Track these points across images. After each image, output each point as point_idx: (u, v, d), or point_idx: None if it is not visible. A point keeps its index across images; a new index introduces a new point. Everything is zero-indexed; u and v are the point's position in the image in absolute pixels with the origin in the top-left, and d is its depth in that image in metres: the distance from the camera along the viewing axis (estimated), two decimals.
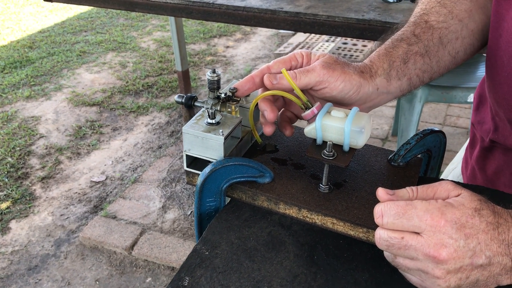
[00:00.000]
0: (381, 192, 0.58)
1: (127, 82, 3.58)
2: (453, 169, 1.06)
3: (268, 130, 0.70)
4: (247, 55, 4.03)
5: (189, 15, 1.75)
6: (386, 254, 0.58)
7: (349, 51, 3.92)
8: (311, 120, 0.68)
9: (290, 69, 0.71)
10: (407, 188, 0.58)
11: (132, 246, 2.14)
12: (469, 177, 0.93)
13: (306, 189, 0.68)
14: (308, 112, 0.67)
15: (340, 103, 0.71)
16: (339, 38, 4.10)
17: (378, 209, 0.56)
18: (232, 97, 0.70)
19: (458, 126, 2.97)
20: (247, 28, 4.57)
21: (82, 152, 2.81)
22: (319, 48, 3.96)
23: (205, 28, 4.56)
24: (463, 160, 0.98)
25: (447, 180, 0.59)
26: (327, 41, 4.09)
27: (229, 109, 0.72)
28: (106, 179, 2.59)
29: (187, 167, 0.71)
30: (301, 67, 0.71)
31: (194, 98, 0.74)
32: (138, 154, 2.79)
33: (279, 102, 0.74)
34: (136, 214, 2.32)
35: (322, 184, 0.68)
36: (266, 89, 0.70)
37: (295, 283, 0.57)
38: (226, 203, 0.70)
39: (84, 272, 2.04)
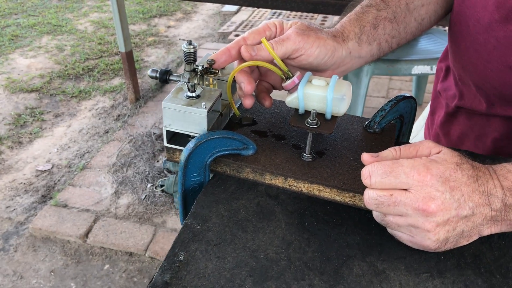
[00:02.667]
0: (366, 156, 0.59)
1: (66, 66, 3.43)
2: (413, 137, 1.11)
3: (247, 102, 0.70)
4: (190, 35, 3.96)
5: None
6: (375, 214, 0.59)
7: None
8: (292, 90, 0.68)
9: (267, 39, 0.70)
10: (390, 148, 0.60)
11: (87, 234, 2.08)
12: None
13: (290, 159, 0.68)
14: (289, 82, 0.67)
15: (316, 69, 0.71)
16: (281, 16, 4.11)
17: (365, 171, 0.57)
18: (210, 70, 0.69)
19: None
20: (188, 7, 4.49)
21: (24, 140, 2.68)
22: None
23: (144, 8, 4.43)
24: (425, 127, 1.02)
25: (427, 139, 0.61)
26: (270, 18, 4.08)
27: (206, 82, 0.71)
28: (52, 167, 2.49)
29: (168, 143, 0.70)
30: (275, 37, 0.71)
31: (169, 72, 0.72)
32: (84, 140, 2.70)
33: (255, 73, 0.74)
34: (88, 201, 2.25)
35: (305, 153, 0.68)
36: (242, 61, 0.70)
37: (290, 250, 0.58)
38: (210, 177, 0.69)
39: (37, 264, 1.96)
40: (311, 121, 0.65)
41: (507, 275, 0.56)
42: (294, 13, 4.15)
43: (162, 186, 2.36)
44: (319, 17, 4.09)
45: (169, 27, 4.13)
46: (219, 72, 0.73)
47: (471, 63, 0.76)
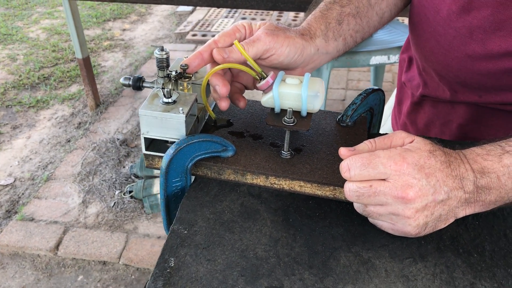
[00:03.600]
0: (343, 151, 0.61)
1: (20, 76, 3.33)
2: (381, 126, 1.14)
3: (223, 104, 0.71)
4: (146, 37, 3.92)
5: None
6: (356, 205, 0.61)
7: None
8: (267, 90, 0.69)
9: (240, 40, 0.71)
10: (365, 141, 0.62)
11: (57, 247, 2.04)
12: None
13: (269, 158, 0.69)
14: (263, 82, 0.69)
15: (286, 68, 0.73)
16: (237, 14, 4.12)
17: (344, 164, 0.59)
18: (184, 74, 0.69)
19: (360, 89, 3.14)
20: (142, 9, 4.43)
21: None
22: (220, 24, 3.95)
23: (97, 12, 4.35)
24: (392, 117, 1.06)
25: (399, 130, 0.63)
26: (226, 17, 4.09)
27: (180, 87, 0.71)
28: (14, 181, 2.41)
29: (146, 150, 0.70)
30: (245, 38, 0.72)
31: (142, 79, 0.72)
32: (46, 150, 2.63)
33: (227, 75, 0.75)
34: (55, 213, 2.20)
35: (283, 151, 0.70)
36: (215, 64, 0.70)
37: (278, 246, 0.59)
38: (192, 182, 0.69)
39: (7, 282, 1.91)
40: (288, 119, 0.67)
41: (483, 253, 0.60)
42: (249, 11, 4.16)
43: (130, 192, 2.34)
44: (275, 13, 4.12)
45: (124, 30, 4.07)
46: (193, 76, 0.73)
47: (432, 53, 0.80)
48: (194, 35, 3.79)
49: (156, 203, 2.23)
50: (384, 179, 0.57)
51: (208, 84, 0.71)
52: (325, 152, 0.71)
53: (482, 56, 0.72)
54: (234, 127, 0.76)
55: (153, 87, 0.72)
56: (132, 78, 0.72)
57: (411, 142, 0.60)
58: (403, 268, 0.57)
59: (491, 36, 0.70)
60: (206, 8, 4.23)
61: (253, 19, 4.05)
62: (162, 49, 0.69)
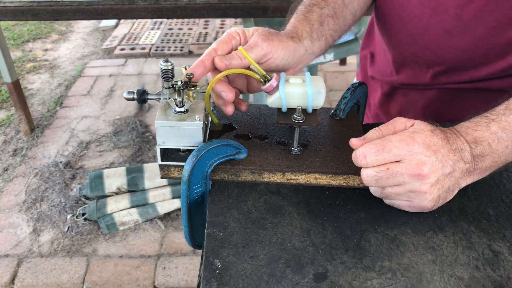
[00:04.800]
0: (355, 141, 0.66)
1: None
2: None
3: (229, 109, 0.73)
4: (72, 55, 3.79)
5: (35, 17, 1.61)
6: (373, 190, 0.66)
7: (177, 36, 3.94)
8: (272, 91, 0.72)
9: (232, 48, 0.74)
10: (372, 130, 0.67)
11: (12, 280, 1.93)
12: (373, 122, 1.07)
13: (281, 155, 0.73)
14: (268, 84, 0.72)
15: (281, 70, 0.76)
16: (163, 25, 4.09)
17: (359, 152, 0.63)
18: (189, 83, 0.71)
19: None
20: (62, 27, 4.28)
21: None
22: (147, 37, 3.91)
23: (14, 34, 4.14)
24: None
25: (398, 117, 0.69)
26: (152, 29, 4.05)
27: (186, 96, 0.72)
28: None
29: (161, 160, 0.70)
30: (240, 44, 0.75)
31: (146, 92, 0.73)
32: None
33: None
34: (4, 246, 2.09)
35: (293, 147, 0.73)
36: (216, 71, 0.72)
37: (311, 236, 0.63)
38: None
39: None
40: (298, 117, 0.70)
41: (489, 219, 0.66)
42: (175, 20, 4.15)
43: (83, 214, 2.26)
44: (201, 22, 4.14)
45: (46, 50, 3.91)
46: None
47: (410, 36, 0.86)
48: (122, 49, 3.72)
49: (113, 223, 2.18)
50: (398, 161, 0.62)
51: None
52: (330, 145, 0.75)
53: (459, 29, 0.79)
54: (238, 131, 0.78)
55: (159, 99, 0.72)
56: (136, 91, 0.72)
57: (412, 126, 0.65)
58: (427, 241, 0.63)
59: (465, 9, 0.77)
60: (130, 22, 4.17)
61: (180, 29, 4.05)
62: (167, 61, 0.70)
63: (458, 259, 0.60)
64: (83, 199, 2.34)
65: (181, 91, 0.71)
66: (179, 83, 0.71)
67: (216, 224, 0.64)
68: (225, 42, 0.73)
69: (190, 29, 4.05)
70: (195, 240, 0.74)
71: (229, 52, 0.73)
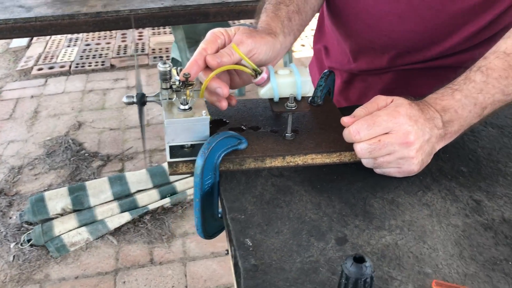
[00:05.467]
0: (346, 119, 0.74)
1: None
2: None
3: (224, 104, 0.78)
4: None
5: None
6: (365, 161, 0.74)
7: (96, 51, 3.86)
8: (263, 84, 0.78)
9: (219, 47, 0.79)
10: (359, 108, 0.75)
11: None
12: None
13: (277, 141, 0.79)
14: (260, 77, 0.77)
15: (263, 64, 0.83)
16: (80, 41, 3.99)
17: (353, 129, 0.71)
18: (187, 82, 0.75)
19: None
20: None
21: None
22: (64, 54, 3.79)
23: None
24: None
25: (378, 95, 0.78)
26: (68, 46, 3.93)
27: (184, 94, 0.76)
28: None
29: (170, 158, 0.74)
30: (225, 43, 0.80)
31: (145, 95, 0.76)
32: None
33: None
34: None
35: (287, 133, 0.80)
36: (207, 69, 0.77)
37: (323, 207, 0.70)
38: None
39: None
40: (290, 104, 0.77)
41: (464, 175, 0.77)
42: (92, 35, 4.06)
43: (29, 240, 2.17)
44: (118, 35, 4.09)
45: None
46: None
47: (365, 25, 0.96)
48: (40, 69, 3.58)
49: (62, 244, 2.12)
50: (387, 133, 0.71)
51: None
52: (317, 128, 0.83)
53: (409, 14, 0.90)
54: (231, 125, 0.83)
55: (158, 100, 0.76)
56: (136, 95, 0.75)
57: (392, 101, 0.74)
58: (420, 199, 0.72)
59: None
60: (44, 41, 4.02)
61: (98, 44, 3.97)
62: (164, 63, 0.74)
63: (449, 210, 0.70)
64: (25, 225, 2.24)
65: (180, 90, 0.75)
66: (177, 83, 0.75)
67: (235, 209, 0.69)
68: (212, 41, 0.78)
69: (108, 43, 3.98)
70: (207, 231, 0.78)
71: (217, 51, 0.78)
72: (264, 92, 0.78)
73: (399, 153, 0.71)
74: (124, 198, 2.33)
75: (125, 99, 0.75)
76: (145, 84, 3.43)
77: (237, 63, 0.79)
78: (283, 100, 0.78)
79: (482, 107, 0.76)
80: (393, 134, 0.70)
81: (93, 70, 3.60)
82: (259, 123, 0.84)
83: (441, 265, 0.61)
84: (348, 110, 0.88)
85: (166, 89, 0.75)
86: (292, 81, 0.77)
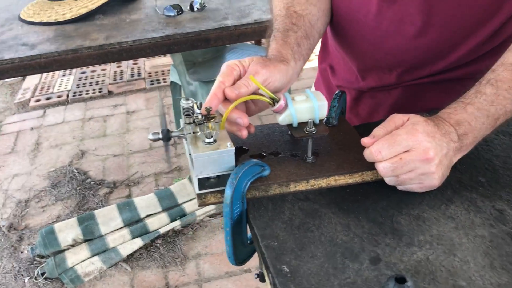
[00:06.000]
0: (366, 140, 0.76)
1: None
2: None
3: (244, 133, 0.80)
4: None
5: None
6: (388, 179, 0.76)
7: (92, 78, 3.89)
8: (281, 111, 0.81)
9: (235, 79, 0.82)
10: (377, 128, 0.78)
11: None
12: None
13: (299, 165, 0.81)
14: (278, 105, 0.80)
15: (277, 90, 0.85)
16: (75, 70, 4.01)
17: (374, 149, 0.74)
18: (209, 116, 0.77)
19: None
20: None
21: None
22: (61, 83, 3.81)
23: None
24: None
25: (394, 114, 0.80)
26: (64, 75, 3.96)
27: (206, 127, 0.78)
28: None
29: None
30: (241, 74, 0.83)
31: (169, 131, 0.78)
32: None
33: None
34: None
35: (307, 157, 0.82)
36: (226, 101, 0.80)
37: (352, 228, 0.71)
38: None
39: None
40: (310, 129, 0.79)
41: (483, 185, 0.79)
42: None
43: (43, 273, 2.18)
44: (113, 65, 4.11)
45: None
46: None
47: (371, 45, 0.99)
48: (37, 100, 3.60)
49: (76, 275, 2.12)
50: (407, 151, 0.73)
51: None
52: (336, 149, 0.85)
53: (415, 34, 0.92)
54: (251, 152, 0.85)
55: (183, 135, 0.78)
56: (161, 131, 0.77)
57: (408, 119, 0.77)
58: (444, 212, 0.74)
59: (417, 16, 0.91)
60: None
61: (93, 71, 3.99)
62: (187, 99, 0.76)
63: (474, 222, 0.72)
64: (38, 259, 2.24)
65: (203, 123, 0.77)
66: (199, 117, 0.77)
67: (267, 236, 0.71)
68: (228, 74, 0.81)
69: (104, 69, 4.01)
70: (238, 258, 0.80)
71: (234, 82, 0.81)
72: (282, 119, 0.80)
73: (421, 169, 0.74)
74: (135, 223, 2.34)
75: (150, 136, 0.77)
76: (144, 108, 3.46)
77: (253, 93, 0.81)
78: (302, 124, 0.81)
79: (495, 118, 0.78)
80: (413, 152, 0.72)
81: (91, 98, 3.62)
82: (279, 148, 0.86)
83: (474, 277, 0.63)
84: (362, 128, 0.91)
85: (190, 123, 0.77)
86: (310, 106, 0.80)
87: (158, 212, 2.40)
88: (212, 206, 2.43)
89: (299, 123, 0.81)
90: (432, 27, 0.91)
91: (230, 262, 0.80)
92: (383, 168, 0.74)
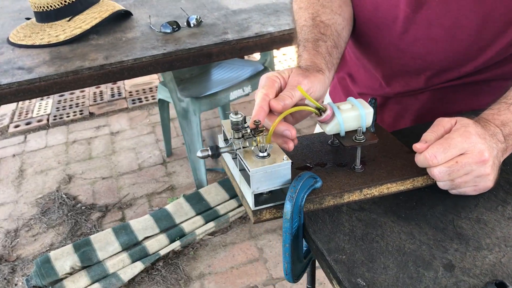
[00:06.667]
0: (419, 145, 0.75)
1: None
2: None
3: (291, 145, 0.79)
4: None
5: None
6: (442, 184, 0.76)
7: (71, 100, 3.81)
8: (329, 120, 0.79)
9: (277, 90, 0.80)
10: (428, 133, 0.77)
11: None
12: None
13: (350, 175, 0.79)
14: (325, 115, 0.78)
15: (317, 100, 0.84)
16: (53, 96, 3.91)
17: (428, 154, 0.73)
18: (257, 129, 0.75)
19: (216, 124, 3.30)
20: None
21: None
22: (39, 108, 3.71)
23: None
24: None
25: (440, 118, 0.80)
26: (42, 99, 3.86)
27: (254, 141, 0.76)
28: None
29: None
30: (282, 86, 0.81)
31: (218, 147, 0.76)
32: None
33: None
34: None
35: (356, 166, 0.81)
36: (270, 115, 0.78)
37: (416, 236, 0.70)
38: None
39: None
40: (359, 137, 0.78)
41: None
42: None
43: None
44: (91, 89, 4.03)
45: None
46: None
47: (398, 50, 0.99)
48: (16, 126, 3.50)
49: None
50: (462, 154, 0.72)
51: None
52: (382, 156, 0.84)
53: (443, 36, 0.93)
54: (296, 164, 0.83)
55: (232, 150, 0.76)
56: (210, 148, 0.75)
57: (455, 123, 0.76)
58: (502, 214, 0.74)
59: (444, 18, 0.91)
60: None
61: (72, 93, 3.90)
62: (236, 113, 0.74)
63: None
64: None
65: (251, 137, 0.75)
66: (248, 131, 0.75)
67: (333, 250, 0.69)
68: (271, 86, 0.79)
69: (83, 91, 3.93)
70: (295, 274, 0.77)
71: (277, 94, 0.79)
72: (330, 129, 0.79)
73: (476, 171, 0.73)
74: (133, 247, 2.27)
75: (199, 154, 0.75)
76: (128, 128, 3.40)
77: (296, 104, 0.80)
78: (349, 133, 0.79)
79: None
80: (468, 154, 0.72)
81: (72, 121, 3.54)
82: (323, 159, 0.84)
83: None
84: (397, 134, 0.91)
85: (239, 138, 0.75)
86: (357, 114, 0.78)
87: (156, 234, 2.35)
88: (211, 224, 2.39)
89: (346, 132, 0.79)
90: (461, 29, 0.91)
91: (287, 280, 0.78)
92: (439, 173, 0.73)
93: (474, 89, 1.01)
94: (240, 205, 2.49)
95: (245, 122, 0.76)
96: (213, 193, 2.56)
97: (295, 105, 0.79)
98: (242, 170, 0.75)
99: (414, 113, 1.08)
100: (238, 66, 2.83)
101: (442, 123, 0.77)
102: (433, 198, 0.78)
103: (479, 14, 0.90)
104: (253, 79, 2.63)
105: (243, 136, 0.75)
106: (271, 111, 0.78)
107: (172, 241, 2.30)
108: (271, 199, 0.75)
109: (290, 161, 0.72)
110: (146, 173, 2.91)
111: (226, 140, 0.82)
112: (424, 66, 0.99)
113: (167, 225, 2.38)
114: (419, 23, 0.94)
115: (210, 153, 0.75)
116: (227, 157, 0.83)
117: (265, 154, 0.72)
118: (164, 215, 2.44)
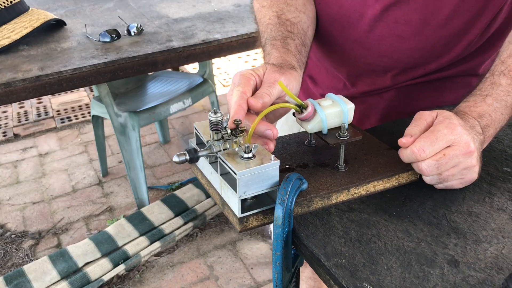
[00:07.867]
0: (405, 139, 0.73)
1: None
2: None
3: (272, 146, 0.74)
4: None
5: None
6: (428, 179, 0.73)
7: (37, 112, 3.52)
8: (310, 117, 0.75)
9: (253, 88, 0.75)
10: (411, 127, 0.74)
11: None
12: None
13: (334, 175, 0.75)
14: (306, 112, 0.74)
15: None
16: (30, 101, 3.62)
17: (416, 148, 0.70)
18: (238, 129, 0.69)
19: (154, 141, 3.18)
20: None
21: None
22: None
23: None
24: None
25: (420, 111, 0.78)
26: (21, 107, 3.56)
27: (234, 142, 0.70)
28: None
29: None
30: (258, 83, 0.76)
31: (197, 150, 0.69)
32: None
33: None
34: None
35: (339, 165, 0.76)
36: (248, 113, 0.73)
37: (413, 233, 0.67)
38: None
39: None
40: (343, 134, 0.74)
41: (510, 173, 0.79)
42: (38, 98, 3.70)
43: None
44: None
45: None
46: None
47: (365, 49, 0.97)
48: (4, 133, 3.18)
49: None
50: (449, 146, 0.71)
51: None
52: (361, 154, 0.80)
53: (409, 33, 0.92)
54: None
55: (212, 153, 0.69)
56: (188, 152, 0.68)
57: (436, 116, 0.75)
58: (491, 205, 0.72)
59: (412, 15, 0.90)
60: None
61: (44, 105, 3.62)
62: (215, 112, 0.67)
63: None
64: None
65: (236, 137, 0.69)
66: (229, 131, 0.69)
67: (330, 254, 0.64)
68: (246, 83, 0.74)
69: (5, 111, 3.66)
70: (284, 285, 0.71)
71: (254, 92, 0.74)
72: (312, 127, 0.75)
73: (463, 163, 0.71)
74: (73, 274, 2.10)
75: (176, 159, 0.67)
76: (58, 149, 3.19)
77: (274, 102, 0.75)
78: (331, 131, 0.76)
79: None
80: (455, 146, 0.70)
81: None
82: (303, 160, 0.80)
83: None
84: (368, 132, 0.88)
85: (218, 140, 0.68)
86: (339, 110, 0.75)
87: (98, 259, 2.19)
88: (157, 244, 2.27)
89: (328, 130, 0.75)
90: (428, 26, 0.91)
91: None
92: (427, 167, 0.70)
93: (439, 86, 1.01)
94: (186, 223, 2.39)
95: (225, 122, 0.70)
96: (156, 212, 2.44)
97: (273, 103, 0.75)
98: (224, 175, 0.68)
99: (379, 111, 1.06)
100: (175, 79, 2.75)
101: (424, 116, 0.75)
102: (420, 194, 0.75)
103: (446, 10, 0.90)
104: (193, 91, 2.56)
105: (222, 138, 0.69)
106: (248, 110, 0.73)
107: (115, 265, 2.16)
108: (256, 205, 0.69)
109: (278, 161, 0.66)
110: (81, 195, 2.73)
111: (200, 144, 0.75)
112: (390, 64, 0.98)
113: (109, 249, 2.23)
114: (386, 20, 0.92)
115: (188, 157, 0.68)
116: (201, 163, 0.76)
117: (250, 155, 0.66)
118: (105, 238, 2.28)
